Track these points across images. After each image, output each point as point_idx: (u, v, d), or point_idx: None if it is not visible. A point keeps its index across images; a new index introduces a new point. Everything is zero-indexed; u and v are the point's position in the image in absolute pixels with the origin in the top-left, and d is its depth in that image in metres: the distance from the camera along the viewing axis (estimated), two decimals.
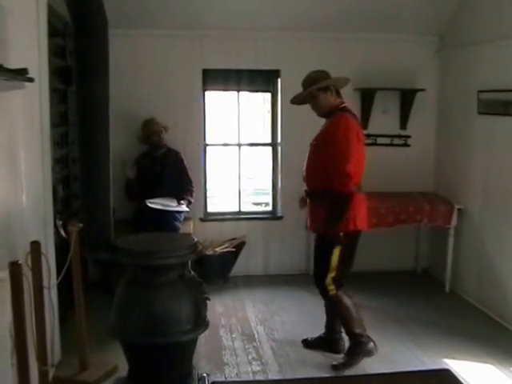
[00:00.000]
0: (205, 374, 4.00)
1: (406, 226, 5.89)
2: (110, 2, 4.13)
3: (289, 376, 4.18)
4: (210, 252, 5.97)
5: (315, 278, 4.34)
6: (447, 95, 6.28)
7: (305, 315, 5.30)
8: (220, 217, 6.53)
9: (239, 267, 6.17)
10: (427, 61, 6.38)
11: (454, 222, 5.80)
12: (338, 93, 4.30)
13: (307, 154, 4.37)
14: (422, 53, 6.36)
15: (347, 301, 4.29)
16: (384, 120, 6.38)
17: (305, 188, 4.41)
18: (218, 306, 5.43)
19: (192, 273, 3.72)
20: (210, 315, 3.78)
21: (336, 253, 4.14)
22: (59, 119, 4.95)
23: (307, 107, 4.35)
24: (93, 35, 3.78)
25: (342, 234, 4.12)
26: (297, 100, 4.48)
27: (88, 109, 3.86)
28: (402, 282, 6.26)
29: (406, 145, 6.48)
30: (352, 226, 4.14)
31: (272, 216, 6.61)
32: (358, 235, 4.29)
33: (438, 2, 5.84)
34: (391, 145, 6.45)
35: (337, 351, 4.51)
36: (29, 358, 2.81)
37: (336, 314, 4.46)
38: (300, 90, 4.35)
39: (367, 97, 6.23)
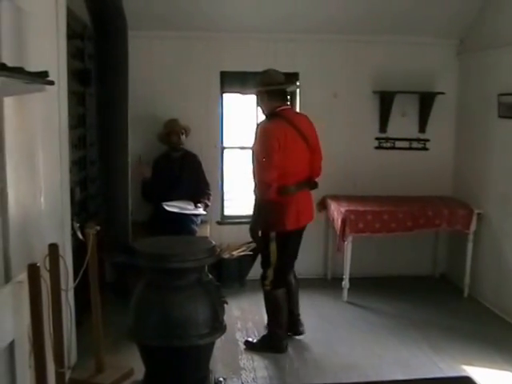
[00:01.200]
0: (221, 379, 3.99)
1: (424, 230, 5.82)
2: (129, 4, 4.14)
3: (306, 381, 4.16)
4: (226, 255, 5.95)
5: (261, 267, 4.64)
6: (467, 98, 6.22)
7: (322, 319, 5.28)
8: (237, 220, 6.48)
9: (256, 271, 6.12)
10: (447, 64, 6.33)
11: (473, 226, 5.73)
12: (277, 96, 4.49)
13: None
14: (442, 56, 6.32)
15: (281, 302, 4.57)
16: (403, 123, 6.34)
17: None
18: (235, 310, 5.41)
19: (210, 276, 3.70)
20: (226, 319, 3.77)
21: (273, 250, 4.44)
22: (77, 121, 4.96)
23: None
24: (112, 38, 3.81)
25: (274, 233, 4.41)
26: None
27: (107, 110, 3.88)
28: (420, 287, 6.21)
29: (424, 148, 6.43)
30: (281, 227, 4.39)
31: None
32: (290, 236, 4.48)
33: (458, 4, 5.78)
34: (410, 148, 6.41)
35: (297, 332, 4.83)
36: (46, 360, 2.81)
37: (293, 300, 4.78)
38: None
39: (386, 100, 6.19)
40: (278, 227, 4.39)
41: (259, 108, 4.63)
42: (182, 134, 5.84)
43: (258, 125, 4.57)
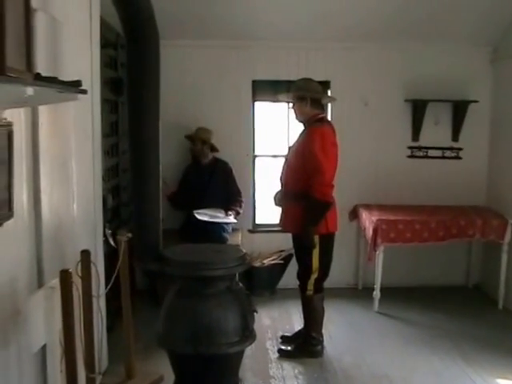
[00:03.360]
0: None
1: (457, 240, 5.74)
2: (162, 13, 4.18)
3: None
4: (257, 264, 5.94)
5: (299, 277, 4.65)
6: (501, 107, 6.12)
7: (353, 329, 5.23)
8: (268, 228, 6.44)
9: (287, 280, 6.11)
10: (481, 71, 6.25)
11: (507, 237, 5.63)
12: (318, 104, 4.60)
13: (285, 159, 4.79)
14: (476, 63, 6.23)
15: (318, 306, 4.62)
16: (435, 132, 6.27)
17: (283, 189, 4.71)
18: (265, 319, 5.39)
19: (240, 285, 3.70)
20: (256, 327, 3.76)
21: (315, 254, 4.47)
22: (110, 129, 5.02)
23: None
24: (144, 46, 3.84)
25: (317, 236, 4.42)
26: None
27: (139, 119, 3.91)
28: (453, 298, 6.11)
29: (457, 157, 6.35)
30: (324, 230, 4.46)
31: None
32: (331, 237, 4.60)
33: (492, 12, 5.70)
34: (443, 157, 6.33)
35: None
36: (77, 365, 2.84)
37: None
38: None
39: (418, 108, 6.13)
40: (322, 229, 4.43)
41: (296, 113, 4.63)
42: (204, 143, 5.82)
43: (306, 130, 4.57)
